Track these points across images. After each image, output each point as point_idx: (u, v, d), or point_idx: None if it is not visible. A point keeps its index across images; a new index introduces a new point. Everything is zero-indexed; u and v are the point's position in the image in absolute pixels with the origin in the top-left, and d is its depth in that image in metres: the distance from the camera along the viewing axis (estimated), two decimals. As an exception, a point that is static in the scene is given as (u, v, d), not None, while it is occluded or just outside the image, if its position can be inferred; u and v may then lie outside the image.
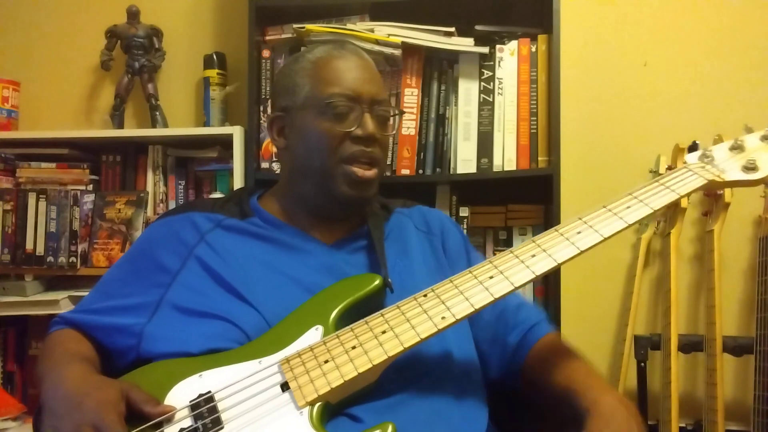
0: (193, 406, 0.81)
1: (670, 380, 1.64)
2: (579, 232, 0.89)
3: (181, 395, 0.83)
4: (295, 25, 1.70)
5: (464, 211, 1.76)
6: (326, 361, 0.83)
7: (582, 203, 1.87)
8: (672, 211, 1.75)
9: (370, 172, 1.00)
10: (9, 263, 1.83)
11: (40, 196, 1.83)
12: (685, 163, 0.99)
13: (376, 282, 0.92)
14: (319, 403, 0.80)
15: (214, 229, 1.01)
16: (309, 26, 1.67)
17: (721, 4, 1.88)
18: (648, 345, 1.74)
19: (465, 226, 1.75)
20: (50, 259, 1.82)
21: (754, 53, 1.86)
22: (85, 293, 1.78)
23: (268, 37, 1.78)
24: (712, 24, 1.88)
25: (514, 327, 1.03)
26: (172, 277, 0.97)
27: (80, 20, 2.06)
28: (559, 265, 0.87)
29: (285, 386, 0.82)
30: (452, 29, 1.69)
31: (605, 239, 0.88)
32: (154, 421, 0.79)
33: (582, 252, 0.87)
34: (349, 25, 1.69)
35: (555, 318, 1.66)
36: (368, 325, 0.86)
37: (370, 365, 0.82)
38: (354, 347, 0.84)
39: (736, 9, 1.87)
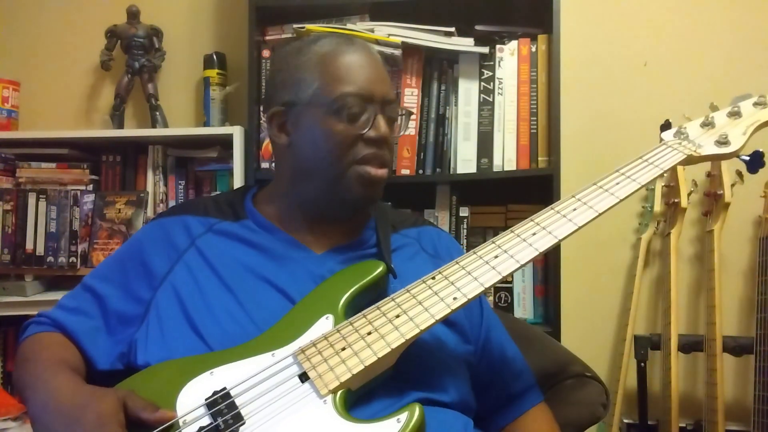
0: (210, 404, 0.79)
1: (670, 380, 1.64)
2: (574, 209, 0.93)
3: (194, 395, 0.80)
4: (295, 25, 1.70)
5: (464, 211, 1.76)
6: (343, 349, 0.82)
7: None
8: (672, 211, 1.75)
9: (382, 171, 0.97)
10: (9, 263, 1.83)
11: (40, 196, 1.83)
12: (661, 140, 1.04)
13: (380, 268, 0.93)
14: (341, 391, 0.79)
15: (205, 234, 0.99)
16: (309, 26, 1.67)
17: (721, 4, 1.88)
18: (648, 345, 1.74)
19: (465, 227, 1.75)
20: (50, 259, 1.82)
21: (754, 53, 1.86)
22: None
23: (268, 37, 1.78)
24: (712, 24, 1.88)
25: (518, 377, 1.04)
26: (159, 281, 0.95)
27: (80, 20, 2.06)
28: (560, 240, 0.90)
29: (303, 377, 0.81)
30: (452, 29, 1.69)
31: (600, 215, 0.93)
32: (165, 424, 0.76)
33: (579, 228, 0.90)
34: (349, 25, 1.69)
35: (555, 318, 1.66)
36: (380, 311, 0.86)
37: (388, 349, 0.81)
38: (369, 333, 0.84)
39: (737, 9, 1.87)
